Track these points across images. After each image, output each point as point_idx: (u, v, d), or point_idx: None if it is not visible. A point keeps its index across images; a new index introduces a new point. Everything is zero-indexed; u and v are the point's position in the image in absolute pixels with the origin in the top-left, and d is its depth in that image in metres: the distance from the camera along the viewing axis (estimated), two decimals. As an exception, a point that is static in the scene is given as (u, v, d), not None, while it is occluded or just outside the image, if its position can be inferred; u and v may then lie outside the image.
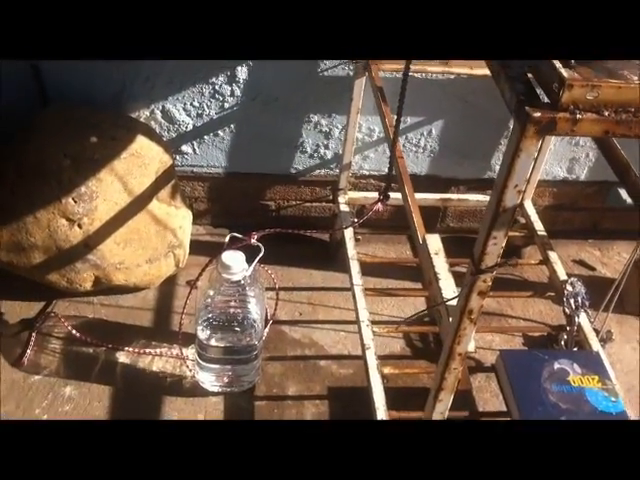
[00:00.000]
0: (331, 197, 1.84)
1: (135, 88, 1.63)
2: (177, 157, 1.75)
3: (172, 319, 1.60)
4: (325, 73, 1.65)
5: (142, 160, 1.55)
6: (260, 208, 1.86)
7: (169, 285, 1.67)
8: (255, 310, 1.37)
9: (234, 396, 1.46)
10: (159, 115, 1.68)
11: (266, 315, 1.51)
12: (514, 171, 0.82)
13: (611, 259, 1.90)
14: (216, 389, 1.45)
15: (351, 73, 1.63)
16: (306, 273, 1.76)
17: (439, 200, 1.81)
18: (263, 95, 1.67)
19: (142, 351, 1.51)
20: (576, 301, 1.49)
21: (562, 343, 1.51)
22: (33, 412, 1.39)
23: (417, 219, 1.25)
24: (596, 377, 1.35)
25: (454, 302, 0.98)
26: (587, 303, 1.52)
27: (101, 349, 1.52)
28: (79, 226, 1.48)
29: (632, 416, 1.34)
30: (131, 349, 1.52)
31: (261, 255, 1.34)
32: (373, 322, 1.43)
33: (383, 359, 1.46)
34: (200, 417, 1.41)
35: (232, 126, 1.72)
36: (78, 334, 1.52)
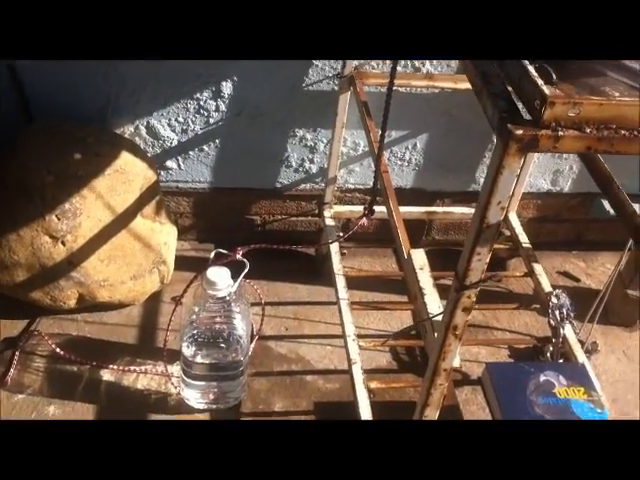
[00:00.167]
0: (317, 211, 1.84)
1: (120, 103, 1.62)
2: (162, 173, 1.74)
3: (157, 336, 1.59)
4: (310, 88, 1.65)
5: (126, 176, 1.54)
6: (246, 223, 1.86)
7: (154, 301, 1.66)
8: (241, 326, 1.37)
9: (220, 413, 1.45)
10: (144, 131, 1.68)
11: (252, 331, 1.51)
12: (497, 188, 0.83)
13: (595, 270, 1.91)
14: (202, 406, 1.44)
15: (336, 88, 1.63)
16: (292, 287, 1.75)
17: (424, 213, 1.82)
18: (248, 110, 1.67)
19: (126, 369, 1.50)
20: (561, 313, 1.50)
21: (548, 355, 1.51)
22: (17, 432, 1.38)
23: (402, 234, 1.25)
24: (582, 389, 1.36)
25: (439, 318, 0.98)
26: (572, 315, 1.53)
27: (85, 367, 1.50)
28: (63, 243, 1.47)
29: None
30: (115, 367, 1.50)
31: (246, 271, 1.34)
32: (359, 336, 1.43)
33: (370, 373, 1.45)
34: (186, 434, 1.40)
35: (217, 141, 1.72)
36: (62, 352, 1.51)
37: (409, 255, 1.17)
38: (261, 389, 1.51)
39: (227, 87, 1.62)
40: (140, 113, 1.65)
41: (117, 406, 1.44)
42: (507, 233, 1.80)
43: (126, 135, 1.67)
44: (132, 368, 1.50)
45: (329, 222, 1.73)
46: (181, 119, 1.66)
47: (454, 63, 1.60)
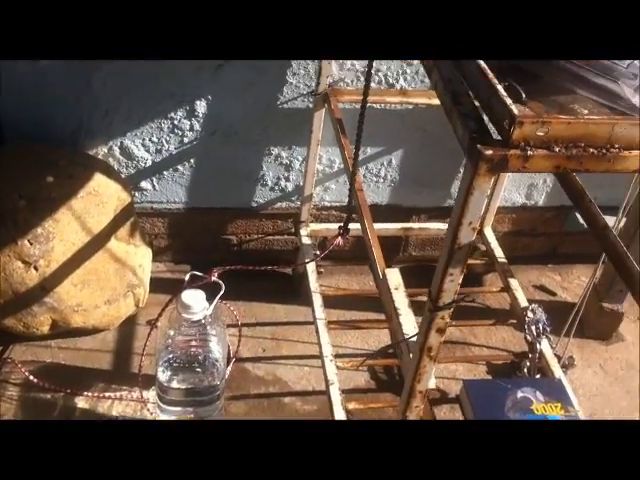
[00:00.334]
0: (293, 230, 1.83)
1: (93, 124, 1.61)
2: (136, 194, 1.73)
3: (132, 361, 1.57)
4: (284, 105, 1.65)
5: (100, 198, 1.53)
6: (222, 243, 1.84)
7: (129, 325, 1.64)
8: (217, 349, 1.35)
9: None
10: (117, 151, 1.66)
11: (228, 353, 1.49)
12: (468, 208, 0.83)
13: (571, 283, 1.92)
14: (179, 431, 1.42)
15: (310, 105, 1.63)
16: (269, 307, 1.74)
17: (400, 229, 1.82)
18: (223, 129, 1.66)
19: (101, 395, 1.48)
20: (537, 328, 1.50)
21: (525, 371, 1.51)
22: (-11, 462, 1.35)
23: (377, 253, 1.25)
24: (559, 404, 1.36)
25: (414, 339, 0.97)
26: (548, 329, 1.53)
27: (59, 394, 1.47)
28: (35, 268, 1.45)
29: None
30: (90, 394, 1.48)
31: (222, 293, 1.33)
32: (337, 356, 1.42)
33: (348, 393, 1.44)
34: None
35: (192, 161, 1.71)
36: (36, 380, 1.48)
37: (384, 275, 1.16)
38: (238, 412, 1.50)
39: (201, 106, 1.61)
40: (113, 134, 1.64)
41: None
42: (483, 248, 1.80)
43: (99, 156, 1.66)
44: (107, 394, 1.48)
45: (305, 241, 1.72)
46: (155, 139, 1.65)
47: (428, 79, 1.61)
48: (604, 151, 0.80)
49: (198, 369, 1.35)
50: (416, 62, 1.60)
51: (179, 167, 1.71)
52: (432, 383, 0.96)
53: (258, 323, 1.69)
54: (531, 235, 1.96)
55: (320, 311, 1.50)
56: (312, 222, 1.80)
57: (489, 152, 0.79)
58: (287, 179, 1.77)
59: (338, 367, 1.39)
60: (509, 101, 0.80)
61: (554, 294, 1.89)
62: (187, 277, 1.33)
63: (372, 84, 1.62)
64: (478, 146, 0.79)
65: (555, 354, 1.52)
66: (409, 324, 1.06)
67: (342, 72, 1.62)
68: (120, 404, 1.47)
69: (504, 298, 1.80)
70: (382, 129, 1.70)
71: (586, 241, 1.92)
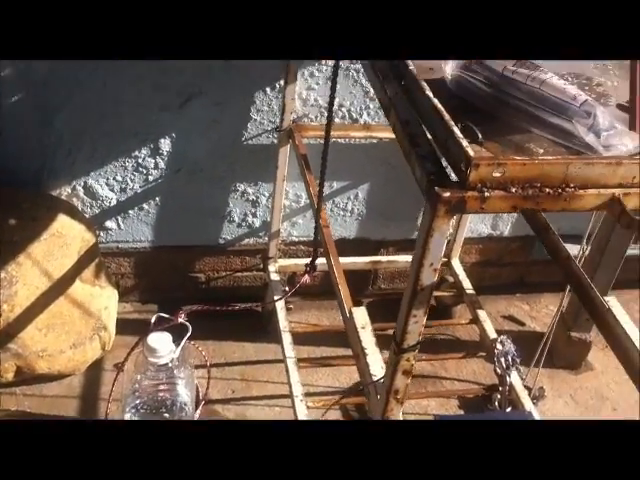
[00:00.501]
0: (261, 266, 1.82)
1: (56, 165, 1.60)
2: (101, 233, 1.71)
3: (99, 406, 1.54)
4: (249, 142, 1.65)
5: (64, 240, 1.51)
6: (190, 281, 1.83)
7: (95, 370, 1.61)
8: (185, 392, 1.32)
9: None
10: (81, 191, 1.65)
11: (197, 396, 1.47)
12: (429, 250, 0.83)
13: (539, 312, 1.93)
14: (148, 476, 1.39)
15: (275, 141, 1.63)
16: (239, 346, 1.72)
17: (369, 263, 1.82)
18: (188, 166, 1.66)
19: (68, 442, 1.44)
20: (507, 360, 1.50)
21: (496, 404, 1.51)
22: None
23: (344, 291, 1.24)
24: (531, 437, 1.35)
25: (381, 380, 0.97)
26: (518, 360, 1.53)
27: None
28: (-3, 313, 1.42)
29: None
30: (56, 441, 1.44)
31: (189, 335, 1.31)
32: (308, 394, 1.41)
33: (319, 432, 1.43)
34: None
35: (157, 199, 1.70)
36: (-2, 428, 1.44)
37: (351, 314, 1.16)
38: (208, 455, 1.47)
39: (165, 144, 1.61)
40: (77, 174, 1.62)
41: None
42: (451, 279, 1.81)
43: (63, 197, 1.64)
44: (73, 441, 1.45)
45: (274, 277, 1.71)
46: (119, 178, 1.64)
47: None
48: (560, 190, 0.81)
49: (166, 414, 1.32)
50: (379, 97, 1.61)
51: (144, 205, 1.70)
52: (399, 424, 0.95)
53: (227, 363, 1.67)
54: (498, 265, 1.97)
55: (290, 349, 1.49)
56: (280, 257, 1.79)
57: (447, 194, 0.79)
58: (254, 215, 1.76)
59: (308, 407, 1.37)
60: (465, 143, 0.81)
61: (523, 324, 1.90)
62: (153, 319, 1.31)
63: (336, 119, 1.64)
64: (436, 188, 0.80)
65: (525, 385, 1.53)
66: (376, 364, 1.05)
67: (306, 108, 1.63)
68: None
69: (474, 329, 1.80)
70: (347, 163, 1.71)
71: (553, 270, 1.93)
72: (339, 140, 1.67)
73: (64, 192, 1.64)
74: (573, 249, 1.65)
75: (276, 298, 1.58)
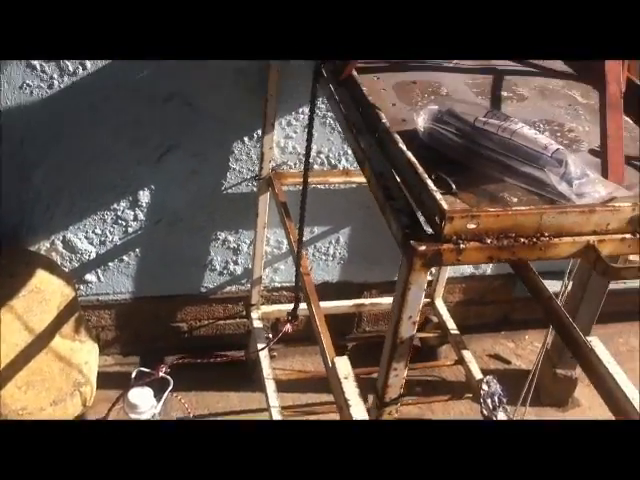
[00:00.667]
0: (244, 313, 1.81)
1: (34, 220, 1.59)
2: (81, 287, 1.69)
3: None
4: (229, 191, 1.66)
5: (43, 295, 1.50)
6: (172, 331, 1.81)
7: (77, 426, 1.58)
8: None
9: None
10: (60, 246, 1.64)
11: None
12: (407, 303, 0.83)
13: (525, 349, 1.93)
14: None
15: (255, 189, 1.64)
16: (222, 396, 1.70)
17: (353, 306, 1.81)
18: (167, 217, 1.66)
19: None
20: (493, 401, 1.49)
21: (484, 446, 1.50)
22: None
23: (326, 340, 1.24)
24: None
25: (365, 433, 0.95)
26: (505, 400, 1.52)
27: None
28: (-24, 373, 1.40)
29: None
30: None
31: (170, 388, 1.30)
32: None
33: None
34: None
35: (137, 250, 1.69)
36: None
37: (333, 364, 1.15)
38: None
39: (144, 195, 1.61)
40: (55, 228, 1.62)
41: None
42: (435, 320, 1.81)
43: (42, 251, 1.63)
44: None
45: (257, 324, 1.71)
46: (98, 231, 1.63)
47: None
48: (534, 240, 0.82)
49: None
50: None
51: (124, 257, 1.69)
52: None
53: (211, 414, 1.65)
54: (482, 303, 1.97)
55: (274, 398, 1.48)
56: (263, 304, 1.79)
57: (422, 248, 0.79)
58: (236, 263, 1.76)
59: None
60: (439, 195, 0.82)
61: (508, 362, 1.90)
62: (133, 374, 1.30)
63: (315, 166, 1.66)
64: (411, 242, 0.80)
65: (512, 426, 1.51)
66: (360, 415, 1.04)
67: (284, 156, 1.64)
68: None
69: (460, 370, 1.80)
70: (328, 208, 1.72)
71: (536, 306, 1.94)
72: (319, 186, 1.68)
73: (43, 247, 1.63)
74: (555, 286, 1.65)
75: (259, 347, 1.57)
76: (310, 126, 1.24)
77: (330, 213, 1.74)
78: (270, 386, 1.50)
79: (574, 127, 1.05)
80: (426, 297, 1.82)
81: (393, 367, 0.86)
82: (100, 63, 1.42)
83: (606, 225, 0.83)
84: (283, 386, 1.53)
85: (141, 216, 1.64)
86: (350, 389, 1.09)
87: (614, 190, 0.85)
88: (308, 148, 1.26)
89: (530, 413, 1.63)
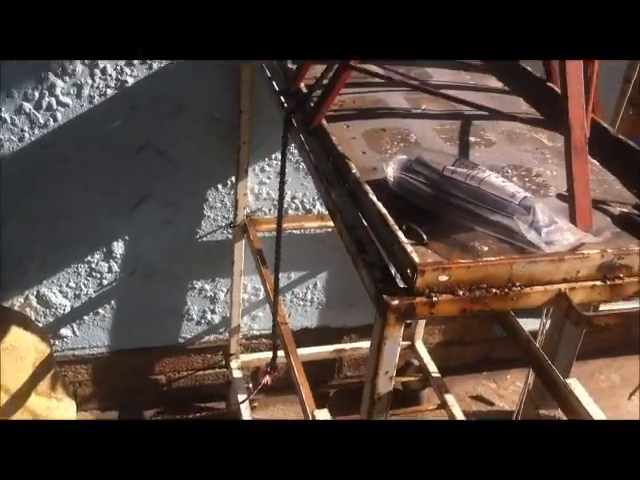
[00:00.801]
0: (223, 362, 1.79)
1: (7, 275, 1.57)
2: (56, 342, 1.67)
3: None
4: (204, 239, 1.65)
5: (17, 353, 1.47)
6: (150, 383, 1.78)
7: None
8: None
9: None
10: (34, 300, 1.61)
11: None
12: (383, 358, 0.82)
13: (507, 390, 1.92)
14: None
15: (230, 236, 1.63)
16: (203, 449, 1.67)
17: (333, 352, 1.80)
18: (142, 268, 1.64)
19: None
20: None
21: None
22: None
23: (305, 391, 1.22)
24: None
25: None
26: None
27: None
28: (-54, 438, 1.36)
29: None
30: None
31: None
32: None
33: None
34: None
35: (113, 302, 1.67)
36: None
37: (313, 417, 1.13)
38: None
39: (118, 247, 1.60)
40: (29, 283, 1.60)
41: None
42: (416, 363, 1.80)
43: (16, 307, 1.60)
44: None
45: (237, 374, 1.68)
46: (72, 284, 1.62)
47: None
48: (506, 290, 0.81)
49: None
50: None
51: (100, 310, 1.67)
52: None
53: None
54: (462, 344, 1.96)
55: (255, 451, 1.45)
56: (242, 353, 1.77)
57: (395, 302, 0.79)
58: (213, 311, 1.74)
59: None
60: (410, 248, 0.81)
61: (492, 403, 1.88)
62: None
63: (290, 211, 1.66)
64: (384, 297, 0.79)
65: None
66: (340, 471, 1.02)
67: (259, 202, 1.64)
68: None
69: (443, 413, 1.78)
70: (304, 253, 1.71)
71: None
72: (294, 231, 1.68)
73: (17, 302, 1.61)
74: (533, 324, 1.65)
75: (240, 399, 1.54)
76: (282, 174, 1.24)
77: (306, 258, 1.73)
78: (251, 438, 1.48)
79: (541, 171, 1.06)
80: (406, 339, 1.81)
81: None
82: (70, 114, 1.42)
83: (576, 273, 0.83)
84: (264, 437, 1.50)
85: (115, 268, 1.62)
86: (330, 443, 1.07)
87: (583, 237, 0.86)
88: (281, 196, 1.26)
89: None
